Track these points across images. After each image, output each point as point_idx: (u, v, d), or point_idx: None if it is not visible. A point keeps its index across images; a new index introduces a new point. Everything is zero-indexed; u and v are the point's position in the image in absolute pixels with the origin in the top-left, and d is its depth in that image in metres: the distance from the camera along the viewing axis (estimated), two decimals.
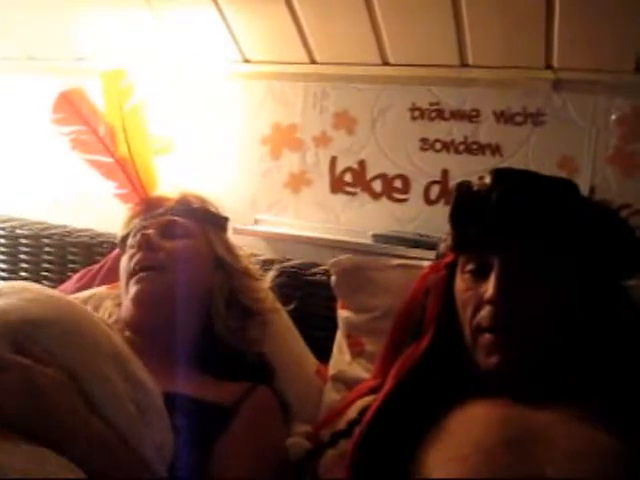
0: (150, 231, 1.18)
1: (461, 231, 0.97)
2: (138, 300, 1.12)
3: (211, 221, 1.26)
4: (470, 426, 0.87)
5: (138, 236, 1.17)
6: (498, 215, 0.93)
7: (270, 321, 1.27)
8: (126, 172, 1.38)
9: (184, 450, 0.91)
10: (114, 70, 1.44)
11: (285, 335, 1.30)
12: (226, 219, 1.30)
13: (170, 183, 1.40)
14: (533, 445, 0.81)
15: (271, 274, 1.33)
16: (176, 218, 1.21)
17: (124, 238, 1.26)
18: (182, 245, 1.18)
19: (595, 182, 1.44)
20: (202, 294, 1.19)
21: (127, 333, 1.15)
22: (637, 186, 1.41)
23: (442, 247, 1.06)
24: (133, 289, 1.13)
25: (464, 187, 0.97)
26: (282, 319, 1.31)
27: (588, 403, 0.85)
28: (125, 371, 0.90)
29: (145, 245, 1.15)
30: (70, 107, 1.41)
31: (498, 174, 0.96)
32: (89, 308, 1.02)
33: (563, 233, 0.93)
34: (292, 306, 1.31)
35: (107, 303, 1.27)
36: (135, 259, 1.15)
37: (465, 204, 0.96)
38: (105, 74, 1.43)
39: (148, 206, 1.27)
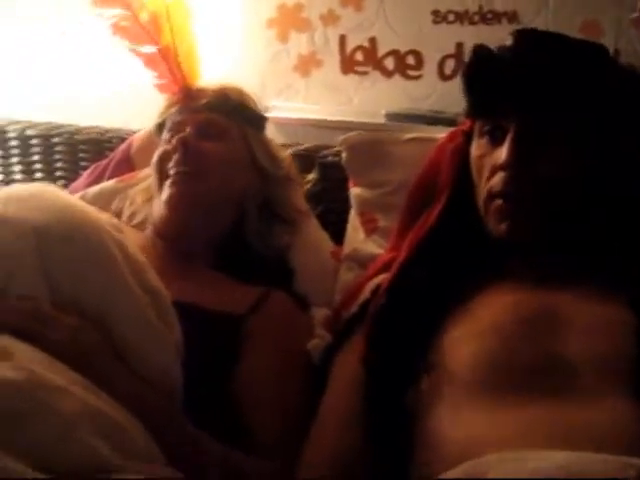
0: (187, 132, 1.14)
1: (476, 94, 0.92)
2: (172, 203, 1.10)
3: (249, 120, 1.22)
4: (487, 306, 0.86)
5: (175, 140, 1.13)
6: (515, 75, 0.88)
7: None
8: (168, 62, 1.31)
9: (192, 359, 0.91)
10: None
11: (302, 225, 1.27)
12: (264, 118, 1.25)
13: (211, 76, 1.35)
14: (549, 324, 0.81)
15: (310, 176, 1.30)
16: (213, 116, 1.17)
17: (159, 126, 1.23)
18: (219, 149, 1.15)
19: (620, 46, 1.37)
20: (235, 199, 1.17)
21: (150, 234, 1.15)
22: None
23: (461, 118, 1.03)
24: (167, 192, 1.11)
25: (481, 48, 0.92)
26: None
27: (603, 280, 0.84)
28: (142, 280, 0.91)
29: (182, 149, 1.12)
30: None
31: (519, 34, 0.91)
32: (95, 209, 1.01)
33: (585, 97, 0.88)
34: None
35: (137, 199, 1.27)
36: (172, 162, 1.13)
37: (481, 65, 0.91)
38: None
39: (187, 96, 1.22)
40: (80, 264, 0.88)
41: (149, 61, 1.31)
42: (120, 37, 1.32)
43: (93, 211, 0.98)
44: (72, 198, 1.05)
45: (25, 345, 0.78)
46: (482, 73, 0.91)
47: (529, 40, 0.91)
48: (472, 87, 0.92)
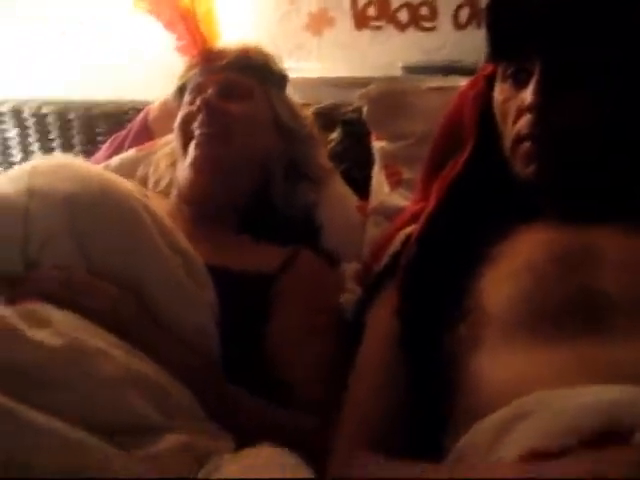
0: (209, 93, 1.14)
1: (499, 36, 0.90)
2: (197, 166, 1.10)
3: (272, 79, 1.22)
4: (519, 247, 0.85)
5: (198, 100, 1.13)
6: (538, 12, 0.85)
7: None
8: (187, 24, 1.30)
9: (225, 319, 0.93)
10: None
11: (327, 182, 1.27)
12: (286, 77, 1.25)
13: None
14: (582, 259, 0.80)
15: (333, 135, 1.30)
16: (235, 76, 1.17)
17: (180, 88, 1.23)
18: (242, 109, 1.14)
19: None
20: (260, 160, 1.17)
21: (175, 199, 1.15)
22: None
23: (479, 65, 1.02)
24: (192, 154, 1.11)
25: None
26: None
27: (631, 221, 0.82)
28: (171, 243, 0.92)
29: (206, 110, 1.12)
30: None
31: None
32: (119, 177, 1.01)
33: (611, 32, 0.86)
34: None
35: (161, 164, 1.27)
36: (196, 123, 1.12)
37: (502, 5, 0.89)
38: None
39: (207, 57, 1.22)
40: (111, 230, 0.89)
41: (168, 24, 1.31)
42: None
43: (119, 179, 0.98)
44: (97, 168, 1.06)
45: (62, 312, 0.79)
46: (504, 14, 0.89)
47: None
48: (494, 29, 0.90)
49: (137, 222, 0.90)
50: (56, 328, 0.74)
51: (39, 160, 1.05)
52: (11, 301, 0.77)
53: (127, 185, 0.98)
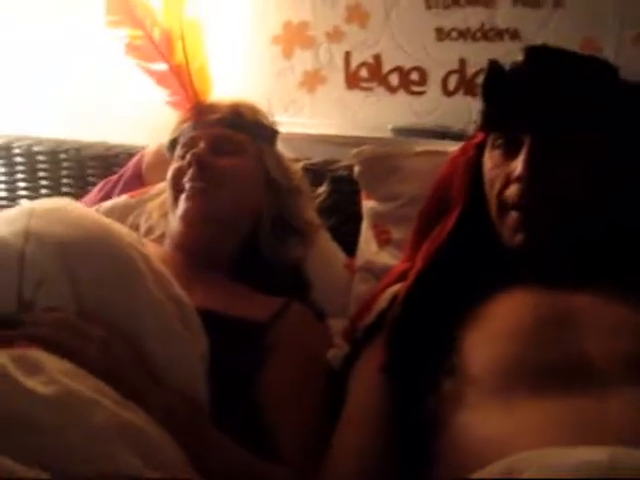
0: (201, 147, 1.16)
1: (493, 107, 0.95)
2: (187, 219, 1.12)
3: (262, 135, 1.24)
4: (504, 309, 0.87)
5: (189, 155, 1.15)
6: (530, 89, 0.91)
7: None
8: (180, 79, 1.33)
9: (217, 366, 0.92)
10: None
11: (315, 238, 1.28)
12: (276, 133, 1.28)
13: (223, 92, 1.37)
14: (567, 325, 0.82)
15: (321, 189, 1.32)
16: (227, 131, 1.19)
17: (172, 142, 1.25)
18: (233, 164, 1.16)
19: (618, 63, 1.40)
20: (250, 213, 1.19)
21: (169, 247, 1.17)
22: None
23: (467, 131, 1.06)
24: (182, 206, 1.13)
25: (496, 64, 0.95)
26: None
27: (618, 282, 0.85)
28: (166, 290, 0.93)
29: (196, 165, 1.14)
30: (125, 7, 1.34)
31: (531, 50, 0.93)
32: (116, 222, 1.02)
33: (598, 110, 0.91)
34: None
35: (153, 214, 1.28)
36: (187, 177, 1.14)
37: (497, 79, 0.94)
38: None
39: (199, 112, 1.24)
40: (105, 275, 0.89)
41: (161, 79, 1.33)
42: (133, 57, 1.34)
43: (116, 224, 0.99)
44: (94, 212, 1.06)
45: (55, 357, 0.78)
46: (497, 89, 0.93)
47: (541, 56, 0.93)
48: (488, 102, 0.95)
49: (132, 269, 0.91)
50: (48, 375, 0.73)
51: (38, 201, 1.06)
52: (7, 343, 0.77)
53: (123, 231, 0.99)
